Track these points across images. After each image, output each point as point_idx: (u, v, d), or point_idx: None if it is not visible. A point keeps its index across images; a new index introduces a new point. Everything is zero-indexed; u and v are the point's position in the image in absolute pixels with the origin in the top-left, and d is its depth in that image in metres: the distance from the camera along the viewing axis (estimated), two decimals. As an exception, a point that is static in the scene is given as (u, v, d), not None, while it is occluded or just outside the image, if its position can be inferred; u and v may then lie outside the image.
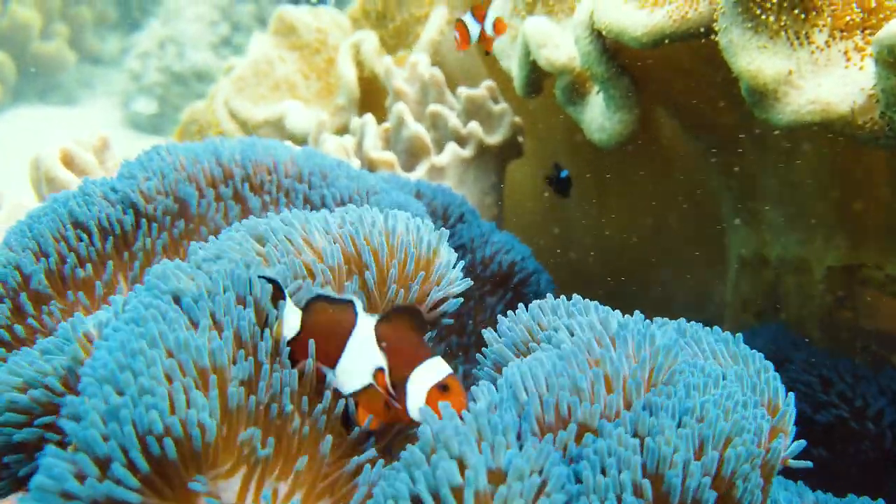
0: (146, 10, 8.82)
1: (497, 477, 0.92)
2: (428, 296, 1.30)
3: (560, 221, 3.27)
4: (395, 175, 2.38)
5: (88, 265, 1.48)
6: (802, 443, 1.14)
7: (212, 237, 1.31)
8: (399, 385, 1.13)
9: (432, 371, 1.14)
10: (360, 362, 1.16)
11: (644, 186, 2.93)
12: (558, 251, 3.19)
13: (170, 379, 0.98)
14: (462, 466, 0.92)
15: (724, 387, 1.09)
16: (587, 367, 1.09)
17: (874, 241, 2.01)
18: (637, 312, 1.24)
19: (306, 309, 1.19)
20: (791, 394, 1.17)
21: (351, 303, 1.18)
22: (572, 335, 1.18)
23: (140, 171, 1.61)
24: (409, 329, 1.17)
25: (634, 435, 1.01)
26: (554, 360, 1.11)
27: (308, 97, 3.55)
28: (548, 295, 1.34)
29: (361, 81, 3.22)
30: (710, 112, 2.13)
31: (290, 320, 1.18)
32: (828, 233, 2.07)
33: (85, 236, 1.50)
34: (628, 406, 1.06)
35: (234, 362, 1.07)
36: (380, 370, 1.15)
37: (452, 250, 1.34)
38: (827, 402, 1.93)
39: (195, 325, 1.08)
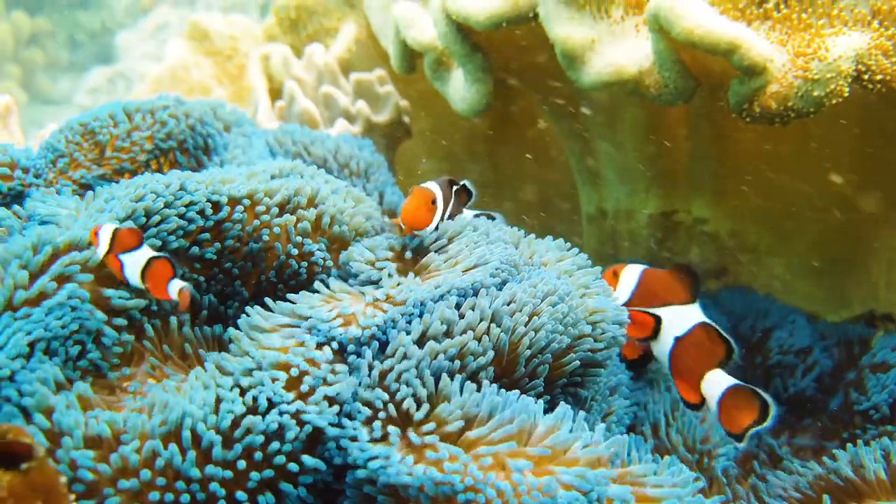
0: (99, 53, 8.95)
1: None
2: None
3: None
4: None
5: None
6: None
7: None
8: None
9: None
10: None
11: (525, 158, 3.28)
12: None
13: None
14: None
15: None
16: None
17: (681, 188, 2.44)
18: None
19: None
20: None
21: None
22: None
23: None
24: None
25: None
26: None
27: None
28: None
29: (271, 93, 3.48)
30: (554, 84, 2.51)
31: None
32: (647, 185, 2.49)
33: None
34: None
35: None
36: None
37: None
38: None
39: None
